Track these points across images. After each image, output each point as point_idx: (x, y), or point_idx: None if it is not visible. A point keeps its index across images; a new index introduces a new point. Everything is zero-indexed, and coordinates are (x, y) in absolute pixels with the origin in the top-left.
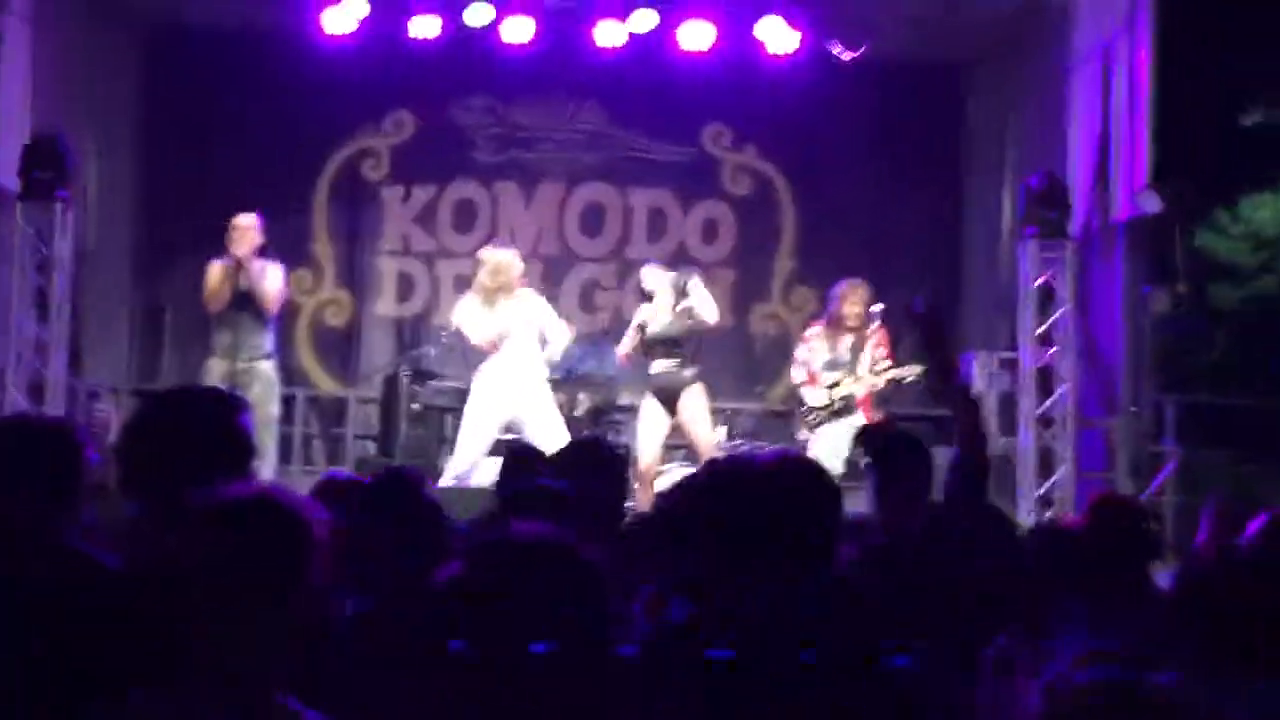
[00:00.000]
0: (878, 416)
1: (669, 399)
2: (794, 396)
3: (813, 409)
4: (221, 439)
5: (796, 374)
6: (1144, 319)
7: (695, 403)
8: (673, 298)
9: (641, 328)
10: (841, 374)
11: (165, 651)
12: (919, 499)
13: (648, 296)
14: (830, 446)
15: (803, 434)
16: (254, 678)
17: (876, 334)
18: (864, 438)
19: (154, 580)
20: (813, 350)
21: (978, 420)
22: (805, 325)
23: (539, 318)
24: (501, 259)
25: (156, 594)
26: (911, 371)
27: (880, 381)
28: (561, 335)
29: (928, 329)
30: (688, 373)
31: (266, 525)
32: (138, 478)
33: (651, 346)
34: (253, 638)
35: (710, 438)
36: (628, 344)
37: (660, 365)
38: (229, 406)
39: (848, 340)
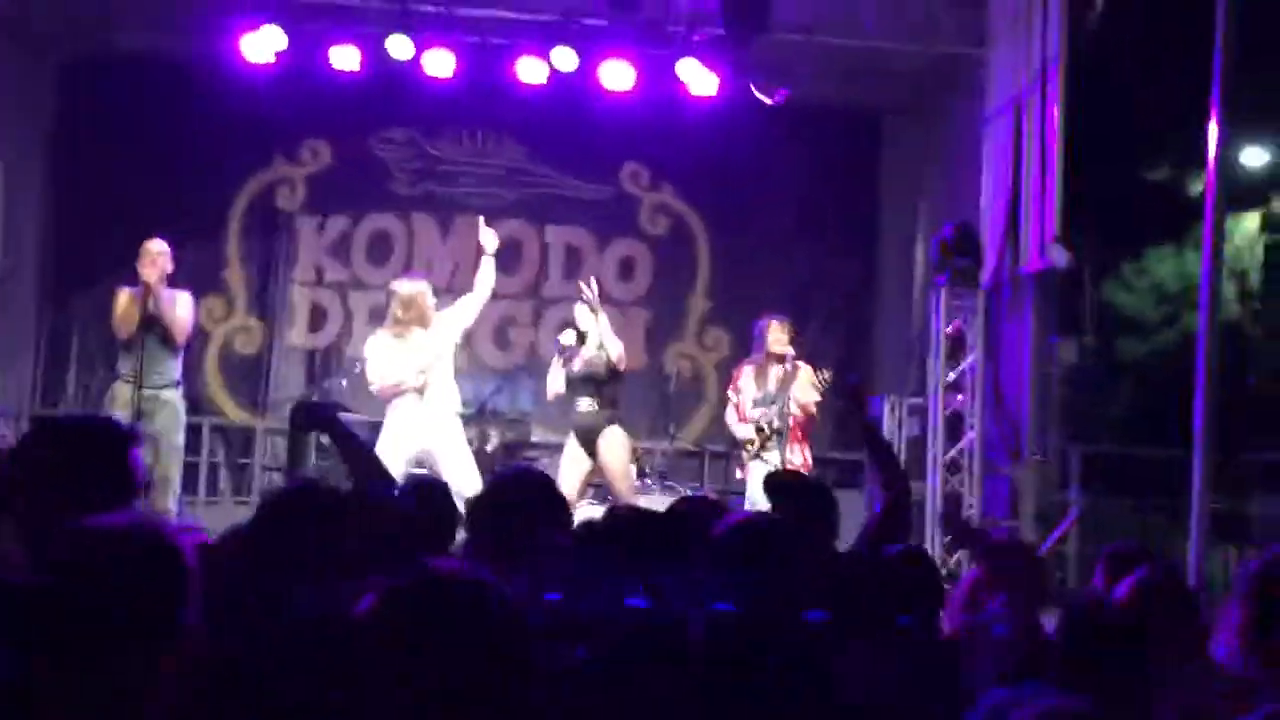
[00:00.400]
0: (806, 449)
1: (588, 440)
2: (725, 436)
3: (744, 444)
4: (107, 470)
5: (729, 414)
6: (1051, 369)
7: (612, 445)
8: (597, 339)
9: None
10: (769, 408)
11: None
12: (825, 543)
13: (580, 335)
14: (760, 481)
15: (739, 473)
16: None
17: (801, 365)
18: (770, 484)
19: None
20: (741, 390)
21: (903, 475)
22: (719, 365)
23: (455, 322)
24: (414, 290)
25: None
26: (823, 375)
27: (799, 405)
28: (482, 287)
29: (856, 401)
30: (605, 414)
31: (135, 554)
32: (17, 505)
33: (574, 386)
34: (120, 678)
35: (625, 481)
36: (558, 384)
37: (582, 405)
38: (119, 437)
39: (774, 373)
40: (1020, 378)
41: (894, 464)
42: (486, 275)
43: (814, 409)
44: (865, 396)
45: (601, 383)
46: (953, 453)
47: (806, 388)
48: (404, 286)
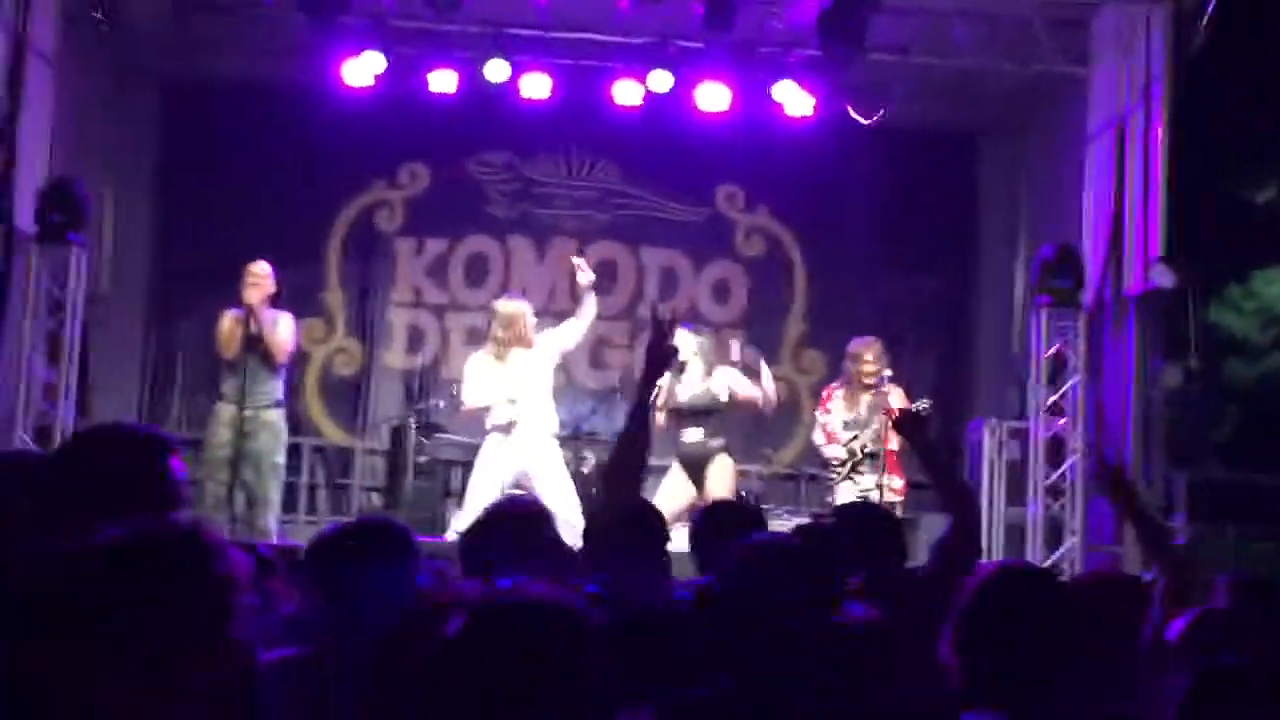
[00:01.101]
0: (903, 475)
1: (696, 469)
2: (819, 459)
3: (834, 464)
4: (144, 480)
5: (816, 436)
6: (1155, 392)
7: (722, 474)
8: (703, 365)
9: (668, 397)
10: (859, 429)
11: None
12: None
13: (680, 365)
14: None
15: (830, 496)
16: None
17: (896, 391)
18: (835, 511)
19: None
20: (831, 412)
21: (972, 507)
22: (814, 388)
23: (556, 345)
24: (515, 310)
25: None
26: (922, 405)
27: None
28: (585, 317)
29: (914, 425)
30: (715, 443)
31: (173, 563)
32: (55, 514)
33: (681, 415)
34: (156, 696)
35: None
36: (658, 415)
37: (690, 435)
38: (155, 447)
39: (866, 399)
40: (1124, 401)
41: (954, 487)
42: (589, 307)
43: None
44: (924, 420)
45: (710, 413)
46: (1054, 477)
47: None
48: (505, 306)
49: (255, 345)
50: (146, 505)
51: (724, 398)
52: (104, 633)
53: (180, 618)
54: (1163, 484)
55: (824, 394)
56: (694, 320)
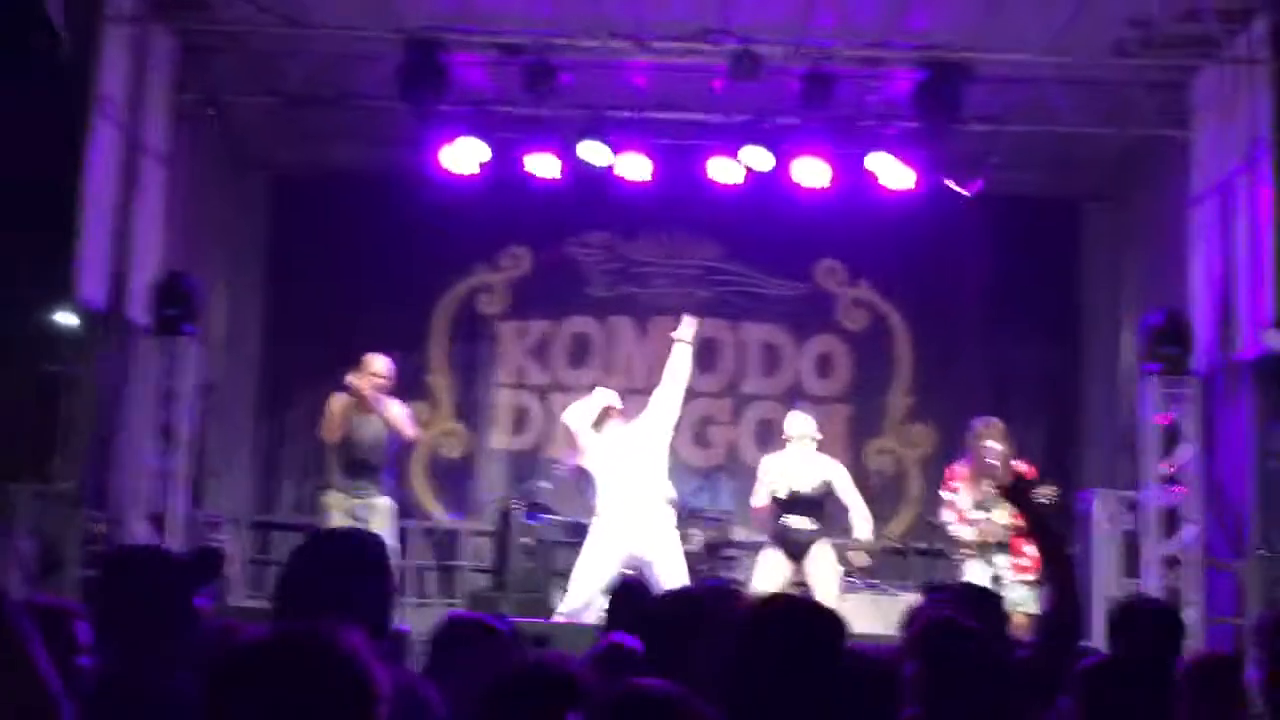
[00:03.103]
0: (1028, 556)
1: (798, 554)
2: (945, 537)
3: (962, 545)
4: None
5: (947, 515)
6: (1273, 458)
7: (824, 560)
8: (813, 449)
9: (779, 478)
10: (989, 512)
11: None
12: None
13: (783, 439)
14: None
15: (960, 574)
16: None
17: (1021, 468)
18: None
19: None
20: (958, 492)
21: (1071, 582)
22: (920, 461)
23: (661, 414)
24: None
25: None
26: (1047, 491)
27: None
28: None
29: (1023, 498)
30: (819, 531)
31: (320, 679)
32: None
33: (790, 503)
34: None
35: (834, 595)
36: (764, 498)
37: (796, 521)
38: (378, 549)
39: (986, 483)
40: (1241, 469)
41: (1058, 560)
42: (679, 362)
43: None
44: (1031, 494)
45: (818, 502)
46: (1169, 548)
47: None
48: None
49: (364, 439)
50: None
51: (836, 484)
52: None
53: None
54: None
55: (949, 471)
56: (796, 395)
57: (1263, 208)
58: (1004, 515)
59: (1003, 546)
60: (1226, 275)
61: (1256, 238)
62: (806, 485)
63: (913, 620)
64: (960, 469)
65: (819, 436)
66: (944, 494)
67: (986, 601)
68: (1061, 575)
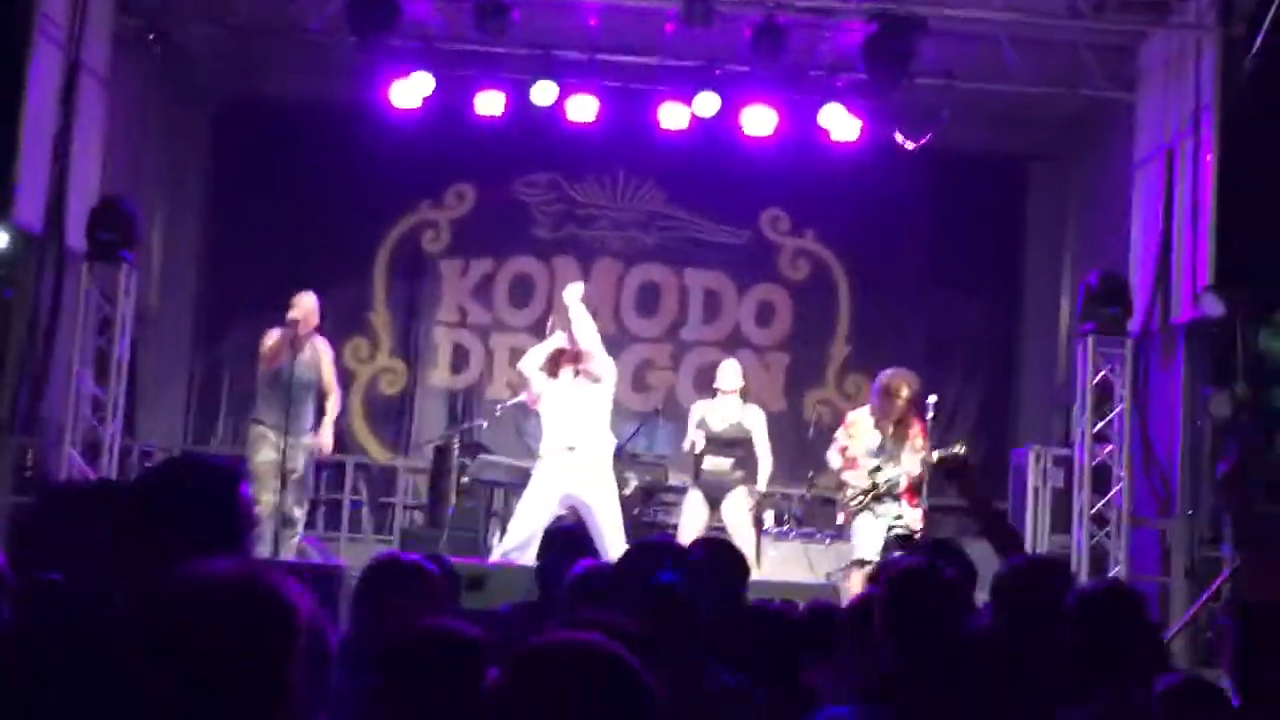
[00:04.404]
0: (919, 504)
1: (716, 497)
2: (836, 482)
3: (854, 494)
4: (218, 510)
5: (833, 458)
6: (1203, 421)
7: (739, 505)
8: (739, 397)
9: (701, 423)
10: (884, 460)
11: None
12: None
13: (713, 389)
14: (872, 533)
15: (841, 519)
16: None
17: (918, 424)
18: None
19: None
20: (853, 436)
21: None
22: None
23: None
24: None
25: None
26: (956, 448)
27: (921, 465)
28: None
29: (966, 476)
30: (737, 474)
31: (242, 610)
32: (128, 549)
33: (709, 446)
34: None
35: (748, 537)
36: (698, 441)
37: (712, 463)
38: (229, 476)
39: (890, 429)
40: (1171, 430)
41: (1005, 536)
42: (578, 322)
43: (923, 472)
44: (973, 469)
45: (738, 444)
46: (1099, 505)
47: (915, 457)
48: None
49: (298, 371)
50: (219, 536)
51: (753, 433)
52: (183, 683)
53: (261, 666)
54: (1210, 513)
55: (847, 418)
56: (736, 343)
57: (1205, 173)
58: (909, 463)
59: (893, 495)
60: (1166, 239)
61: (1197, 203)
62: (723, 427)
63: (884, 572)
64: (859, 415)
65: (741, 383)
66: (838, 435)
67: (956, 555)
68: (1006, 542)
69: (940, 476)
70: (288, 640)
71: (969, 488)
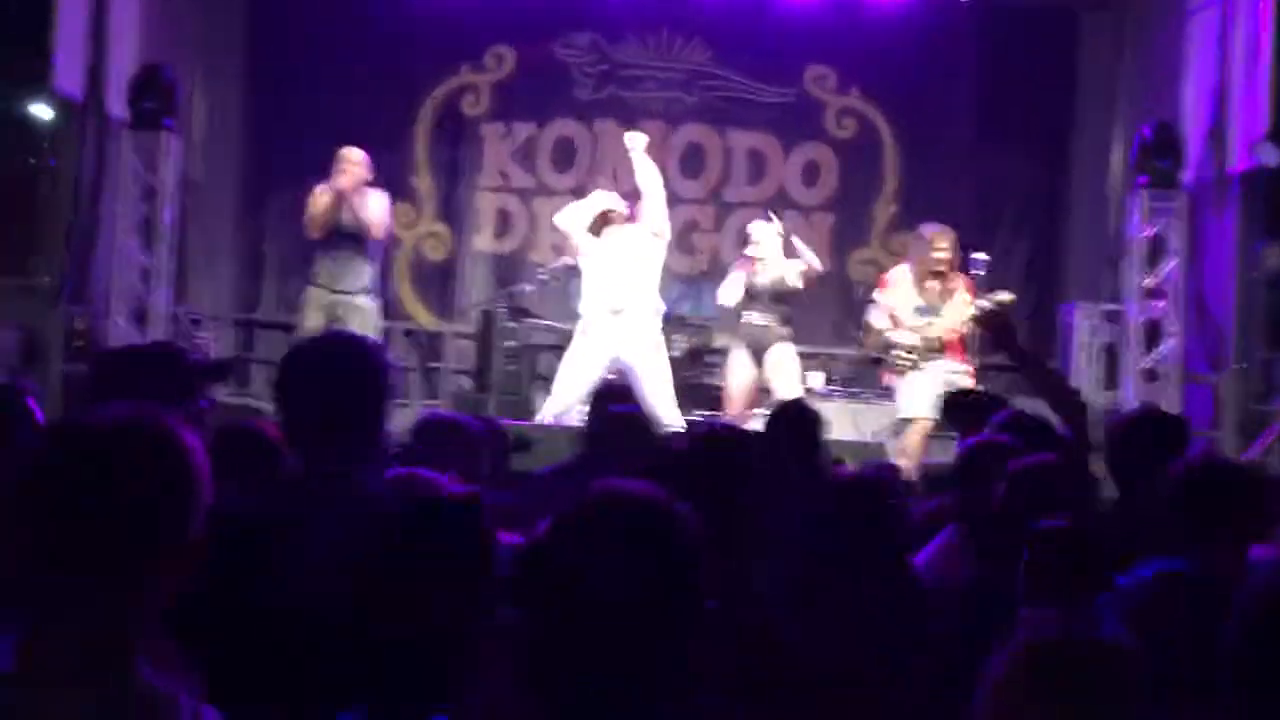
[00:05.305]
0: (968, 361)
1: (758, 352)
2: (882, 342)
3: (901, 352)
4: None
5: (877, 318)
6: (1256, 275)
7: (782, 359)
8: (780, 253)
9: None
10: (930, 317)
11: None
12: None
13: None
14: (919, 391)
15: (888, 379)
16: (107, 644)
17: (962, 280)
18: (949, 407)
19: None
20: (896, 294)
21: (1078, 406)
22: None
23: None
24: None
25: None
26: (1003, 297)
27: (967, 317)
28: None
29: (1000, 327)
30: (782, 330)
31: (136, 456)
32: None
33: (751, 298)
34: (114, 592)
35: (792, 393)
36: (736, 294)
37: (757, 318)
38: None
39: (935, 286)
40: (1224, 283)
41: (1064, 396)
42: (643, 172)
43: (971, 328)
44: (1012, 324)
45: (780, 298)
46: (1149, 361)
47: (962, 309)
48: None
49: (347, 231)
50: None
51: (796, 283)
52: (71, 534)
53: (154, 516)
54: (1262, 367)
55: (885, 276)
56: (781, 203)
57: (1262, 20)
58: (952, 319)
59: (939, 351)
60: (1221, 89)
61: (1254, 50)
62: (766, 280)
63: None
64: (899, 274)
65: (781, 236)
66: (877, 295)
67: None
68: (1063, 406)
69: (984, 332)
70: (185, 489)
71: (1008, 339)
